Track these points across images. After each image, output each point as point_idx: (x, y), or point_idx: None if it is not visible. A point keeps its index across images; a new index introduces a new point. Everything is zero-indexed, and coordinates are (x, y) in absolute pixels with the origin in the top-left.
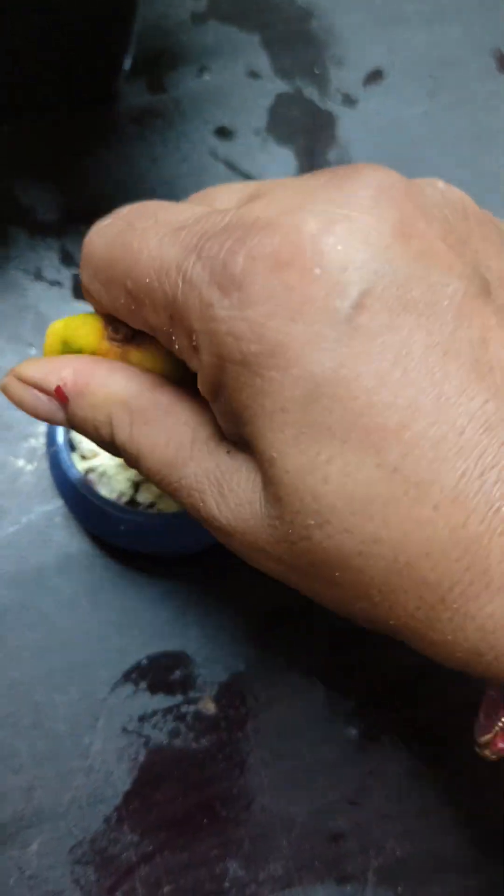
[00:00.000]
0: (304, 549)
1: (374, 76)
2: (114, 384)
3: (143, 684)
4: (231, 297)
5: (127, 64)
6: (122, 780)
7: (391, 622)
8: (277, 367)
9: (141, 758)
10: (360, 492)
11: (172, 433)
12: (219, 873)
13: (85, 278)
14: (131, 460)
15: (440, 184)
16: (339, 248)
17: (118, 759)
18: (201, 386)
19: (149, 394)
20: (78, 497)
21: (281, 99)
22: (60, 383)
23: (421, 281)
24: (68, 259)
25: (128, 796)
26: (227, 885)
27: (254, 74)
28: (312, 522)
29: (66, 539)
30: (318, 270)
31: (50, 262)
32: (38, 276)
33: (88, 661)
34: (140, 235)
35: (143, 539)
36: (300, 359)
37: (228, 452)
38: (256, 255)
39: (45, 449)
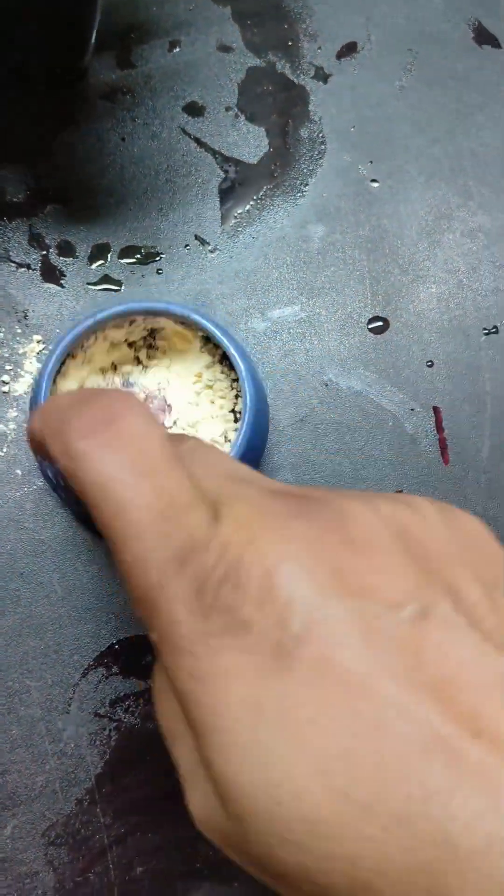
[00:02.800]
0: (272, 863)
1: (349, 49)
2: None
3: (115, 668)
4: (198, 621)
5: (93, 39)
6: (95, 764)
7: None
8: (226, 690)
9: (113, 741)
10: (313, 814)
11: (177, 717)
12: (191, 854)
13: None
14: (157, 719)
15: (416, 506)
16: (286, 585)
17: (90, 743)
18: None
19: None
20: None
21: (252, 73)
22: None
23: (355, 613)
24: (36, 240)
25: (100, 779)
26: (199, 865)
27: (225, 48)
28: (273, 841)
29: (38, 525)
30: (268, 605)
31: (18, 243)
32: (6, 258)
33: (61, 646)
34: (134, 511)
35: None
36: (249, 685)
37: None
38: (227, 598)
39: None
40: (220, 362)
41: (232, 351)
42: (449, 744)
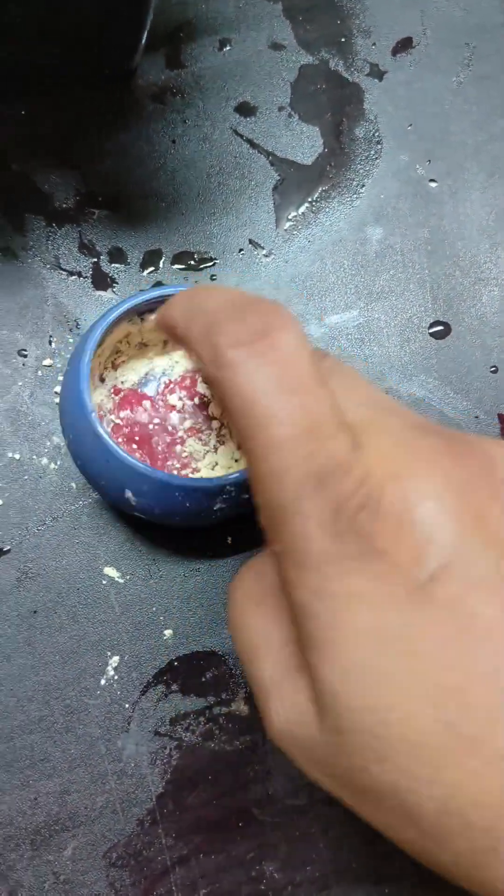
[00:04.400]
0: (360, 777)
1: (404, 45)
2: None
3: (174, 686)
4: (332, 542)
5: (144, 38)
6: (156, 784)
7: (440, 857)
8: (352, 611)
9: (174, 760)
10: (418, 739)
11: (268, 626)
12: (255, 876)
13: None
14: (233, 631)
15: None
16: (428, 523)
17: (151, 762)
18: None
19: (270, 585)
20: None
21: (305, 71)
22: None
23: (492, 562)
24: (87, 247)
25: (161, 799)
26: (263, 887)
27: (276, 46)
28: (371, 758)
29: (94, 539)
30: (406, 539)
31: (68, 251)
32: (56, 265)
33: (120, 663)
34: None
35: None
36: (376, 611)
37: (298, 670)
38: (363, 522)
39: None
40: None
41: None
42: None
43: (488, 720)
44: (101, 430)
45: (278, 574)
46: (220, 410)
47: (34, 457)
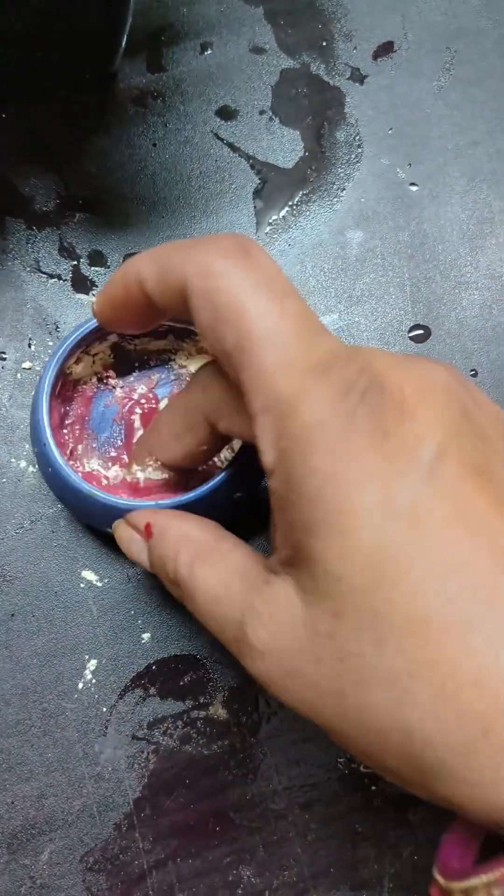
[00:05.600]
0: (353, 666)
1: (386, 49)
2: (186, 528)
3: (152, 690)
4: (342, 420)
5: (124, 42)
6: (133, 788)
7: (428, 758)
8: (362, 490)
9: (151, 764)
10: (421, 615)
11: (224, 576)
12: (232, 880)
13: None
14: (187, 595)
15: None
16: (426, 410)
17: (128, 767)
18: (277, 487)
19: (212, 540)
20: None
21: (286, 75)
22: (150, 522)
23: (479, 452)
24: (67, 250)
25: (138, 803)
26: (240, 892)
27: (258, 50)
28: (369, 639)
29: (72, 543)
30: (410, 422)
31: (48, 253)
32: (36, 268)
33: (97, 667)
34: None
35: None
36: (387, 488)
37: (268, 583)
38: (371, 412)
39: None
40: None
41: None
42: None
43: (490, 597)
44: (58, 461)
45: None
46: None
47: (12, 460)
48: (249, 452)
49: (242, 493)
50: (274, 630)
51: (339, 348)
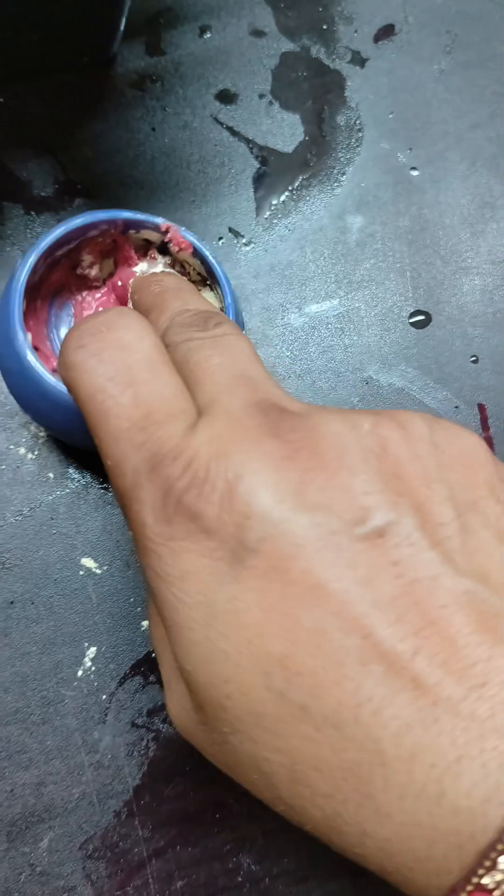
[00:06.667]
0: (226, 751)
1: (386, 32)
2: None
3: (152, 677)
4: (162, 525)
5: (122, 25)
6: (133, 775)
7: (307, 827)
8: (185, 591)
9: (151, 752)
10: (258, 710)
11: (160, 627)
12: (232, 868)
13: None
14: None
15: (401, 419)
16: (246, 498)
17: (128, 754)
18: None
19: None
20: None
21: (286, 59)
22: None
23: (308, 526)
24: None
25: (138, 791)
26: (240, 879)
27: (258, 33)
28: (227, 730)
29: (72, 529)
30: (229, 515)
31: None
32: None
33: (97, 654)
34: (112, 404)
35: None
36: (204, 587)
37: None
38: (190, 500)
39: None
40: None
41: (219, 270)
42: (389, 657)
43: (313, 685)
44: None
45: None
46: None
47: (11, 446)
48: None
49: None
50: (179, 710)
51: (174, 437)
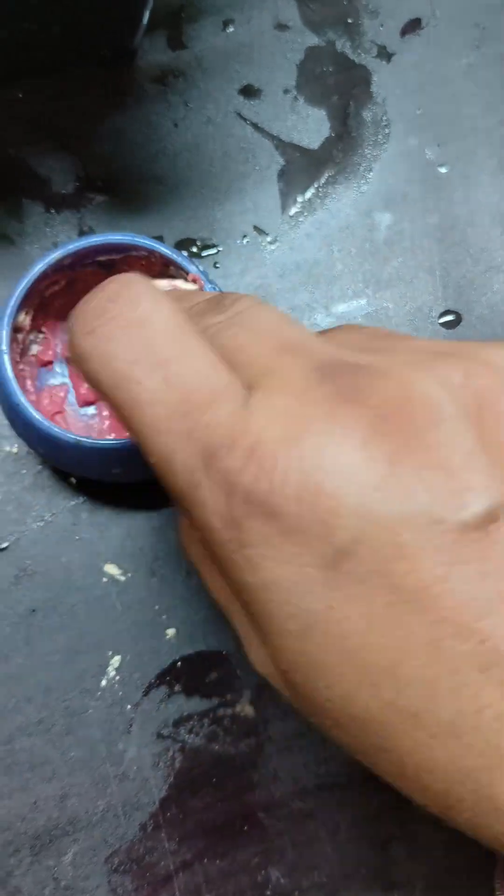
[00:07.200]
0: (323, 727)
1: (413, 26)
2: None
3: (177, 687)
4: (231, 530)
5: (145, 18)
6: (158, 787)
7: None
8: (271, 601)
9: (177, 763)
10: (363, 716)
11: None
12: (261, 881)
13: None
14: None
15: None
16: (329, 492)
17: (153, 766)
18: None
19: None
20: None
21: (311, 53)
22: None
23: (413, 521)
24: (86, 234)
25: (164, 803)
26: (269, 893)
27: (282, 27)
28: (330, 724)
29: (94, 535)
30: (310, 513)
31: (68, 237)
32: None
33: (121, 664)
34: (145, 394)
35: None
36: (294, 598)
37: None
38: (256, 491)
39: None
40: None
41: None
42: None
43: (427, 695)
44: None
45: None
46: None
47: (29, 451)
48: None
49: None
50: (266, 672)
51: (225, 420)
